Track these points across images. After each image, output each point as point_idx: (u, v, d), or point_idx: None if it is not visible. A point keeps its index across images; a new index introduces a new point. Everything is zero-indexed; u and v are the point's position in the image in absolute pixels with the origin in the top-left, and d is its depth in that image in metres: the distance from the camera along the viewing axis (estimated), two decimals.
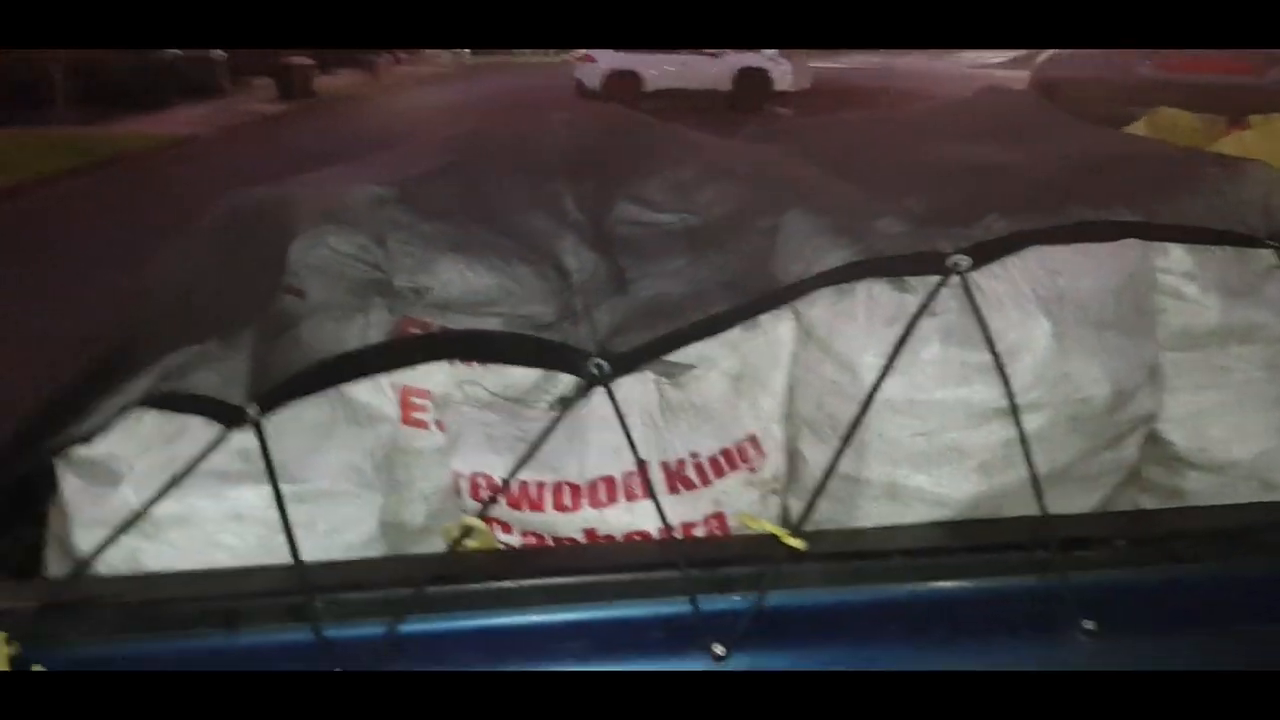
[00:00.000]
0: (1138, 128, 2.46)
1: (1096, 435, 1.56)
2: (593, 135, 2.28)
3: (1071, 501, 1.57)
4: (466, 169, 2.05)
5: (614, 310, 1.80)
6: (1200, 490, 1.72)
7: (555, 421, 1.56)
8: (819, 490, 1.46)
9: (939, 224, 1.70)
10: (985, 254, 1.58)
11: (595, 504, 1.53)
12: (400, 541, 1.69)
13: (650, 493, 1.50)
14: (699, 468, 1.59)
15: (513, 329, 1.72)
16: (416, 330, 1.70)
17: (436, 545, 1.73)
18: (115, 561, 1.44)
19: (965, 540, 1.48)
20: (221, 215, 2.09)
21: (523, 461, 1.52)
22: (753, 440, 1.63)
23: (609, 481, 1.54)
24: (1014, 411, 1.49)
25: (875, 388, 1.50)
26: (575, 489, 1.54)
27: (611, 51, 24.24)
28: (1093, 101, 2.60)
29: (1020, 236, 1.60)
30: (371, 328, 1.63)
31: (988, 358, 1.51)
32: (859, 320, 1.56)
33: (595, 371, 1.57)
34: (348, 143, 18.25)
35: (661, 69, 24.25)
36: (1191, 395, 1.68)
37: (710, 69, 24.59)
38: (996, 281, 1.56)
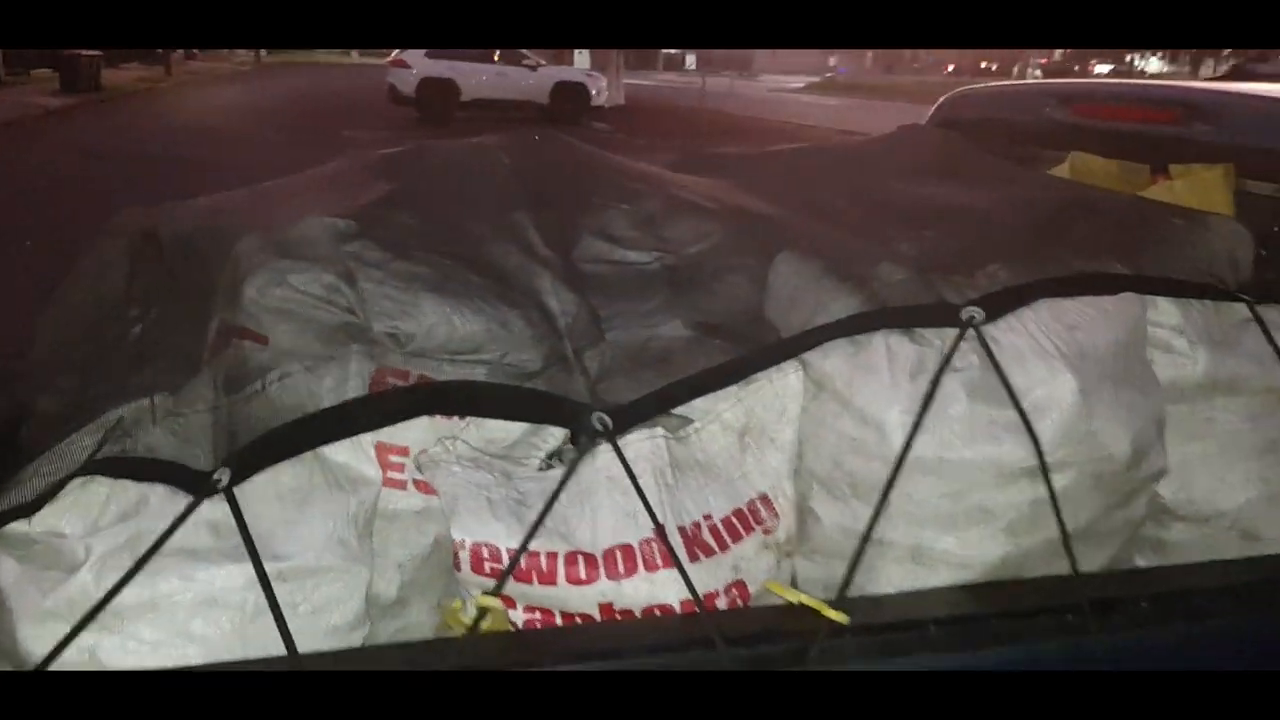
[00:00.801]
0: (1062, 172, 2.51)
1: (1114, 493, 1.54)
2: (537, 162, 2.15)
3: (1085, 561, 1.54)
4: (417, 197, 1.89)
5: (601, 356, 1.69)
6: (1184, 542, 1.73)
7: (563, 482, 1.43)
8: (857, 557, 1.38)
9: (938, 271, 1.66)
10: (998, 306, 1.54)
11: (612, 575, 1.41)
12: (371, 617, 1.52)
13: (675, 561, 1.39)
14: (715, 531, 1.48)
15: (499, 378, 1.58)
16: (394, 381, 1.55)
17: (411, 621, 1.57)
18: (69, 659, 1.22)
19: (1001, 605, 1.43)
20: (129, 240, 1.86)
21: (534, 529, 1.39)
22: (764, 499, 1.54)
23: (626, 550, 1.42)
24: (1044, 471, 1.46)
25: (907, 446, 1.43)
26: (590, 559, 1.41)
27: (426, 58, 23.79)
28: (998, 143, 2.62)
29: (1032, 288, 1.57)
30: (351, 379, 1.47)
31: (1014, 415, 1.47)
32: (881, 374, 1.49)
33: (599, 426, 1.45)
34: (148, 140, 17.29)
35: (479, 78, 23.98)
36: (1179, 447, 1.69)
37: (527, 81, 24.50)
38: (1014, 335, 1.52)
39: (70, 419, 1.55)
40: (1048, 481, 1.45)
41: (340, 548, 1.39)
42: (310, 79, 38.94)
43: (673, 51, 72.21)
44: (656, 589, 1.41)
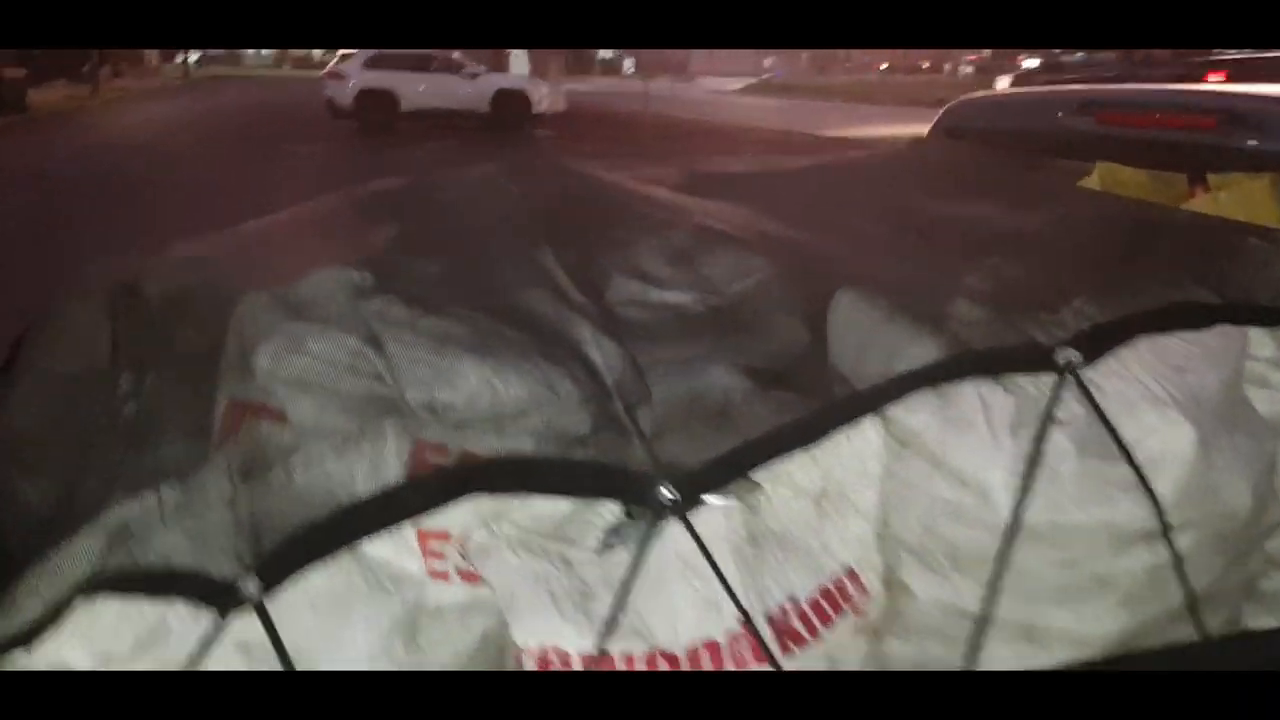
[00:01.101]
0: (1090, 183, 2.38)
1: (1234, 551, 1.41)
2: (546, 192, 1.98)
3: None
4: (428, 239, 1.72)
5: (651, 414, 1.53)
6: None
7: (634, 570, 1.27)
8: (977, 642, 1.24)
9: (1019, 308, 1.52)
10: (1095, 346, 1.40)
11: None
12: None
13: (769, 658, 1.24)
14: (803, 616, 1.32)
15: (547, 447, 1.41)
16: (433, 458, 1.37)
17: None
18: None
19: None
20: (108, 297, 1.66)
21: (610, 628, 1.23)
22: (851, 575, 1.38)
23: (712, 647, 1.25)
24: (1165, 533, 1.32)
25: (1018, 512, 1.29)
26: (673, 660, 1.25)
27: (364, 69, 23.44)
28: (1009, 153, 2.49)
29: (1131, 324, 1.43)
30: (388, 460, 1.29)
31: (1127, 471, 1.33)
32: (978, 429, 1.34)
33: (666, 499, 1.29)
34: (85, 161, 16.77)
35: (417, 88, 23.66)
36: None
37: (467, 89, 24.21)
38: (1118, 380, 1.38)
39: (59, 519, 1.36)
40: (1170, 545, 1.31)
41: (387, 660, 1.22)
42: (242, 93, 38.32)
43: (609, 56, 72.07)
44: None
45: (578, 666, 1.23)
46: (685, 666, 1.24)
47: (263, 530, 1.21)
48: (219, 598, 1.13)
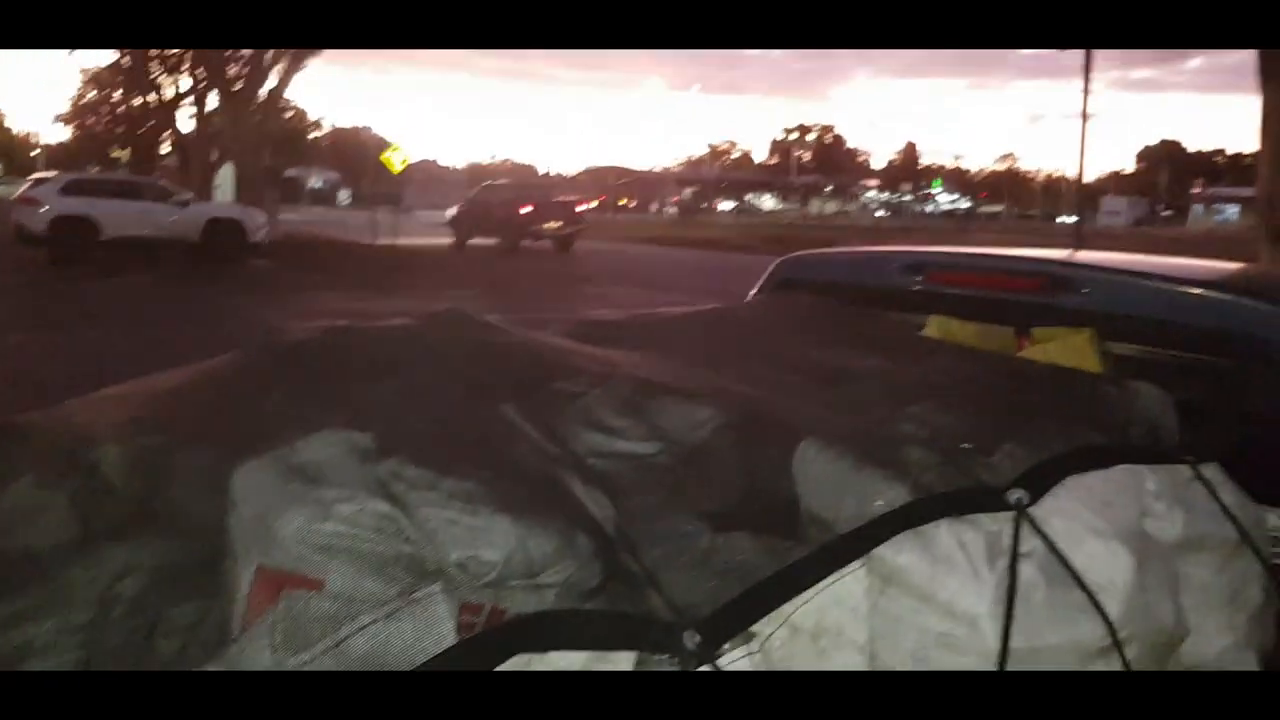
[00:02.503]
0: (929, 333, 2.66)
1: (1162, 660, 1.62)
2: (472, 345, 2.03)
3: None
4: (394, 397, 1.73)
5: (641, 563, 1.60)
6: None
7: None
8: None
9: (961, 454, 1.71)
10: (1036, 485, 1.61)
11: None
12: None
13: None
14: None
15: (568, 601, 1.46)
16: (470, 618, 1.38)
17: None
18: None
19: None
20: (51, 464, 1.57)
21: None
22: None
23: None
24: (1118, 649, 1.51)
25: (1006, 640, 1.45)
26: None
27: (60, 194, 22.07)
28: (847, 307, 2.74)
29: (1057, 465, 1.65)
30: (443, 621, 1.29)
31: (1081, 596, 1.52)
32: (960, 566, 1.50)
33: (692, 647, 1.37)
34: None
35: (121, 215, 22.42)
36: None
37: (176, 218, 23.21)
38: (1062, 516, 1.58)
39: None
40: (1122, 657, 1.51)
41: None
42: None
43: (320, 186, 71.49)
44: None
45: None
46: None
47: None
48: None
